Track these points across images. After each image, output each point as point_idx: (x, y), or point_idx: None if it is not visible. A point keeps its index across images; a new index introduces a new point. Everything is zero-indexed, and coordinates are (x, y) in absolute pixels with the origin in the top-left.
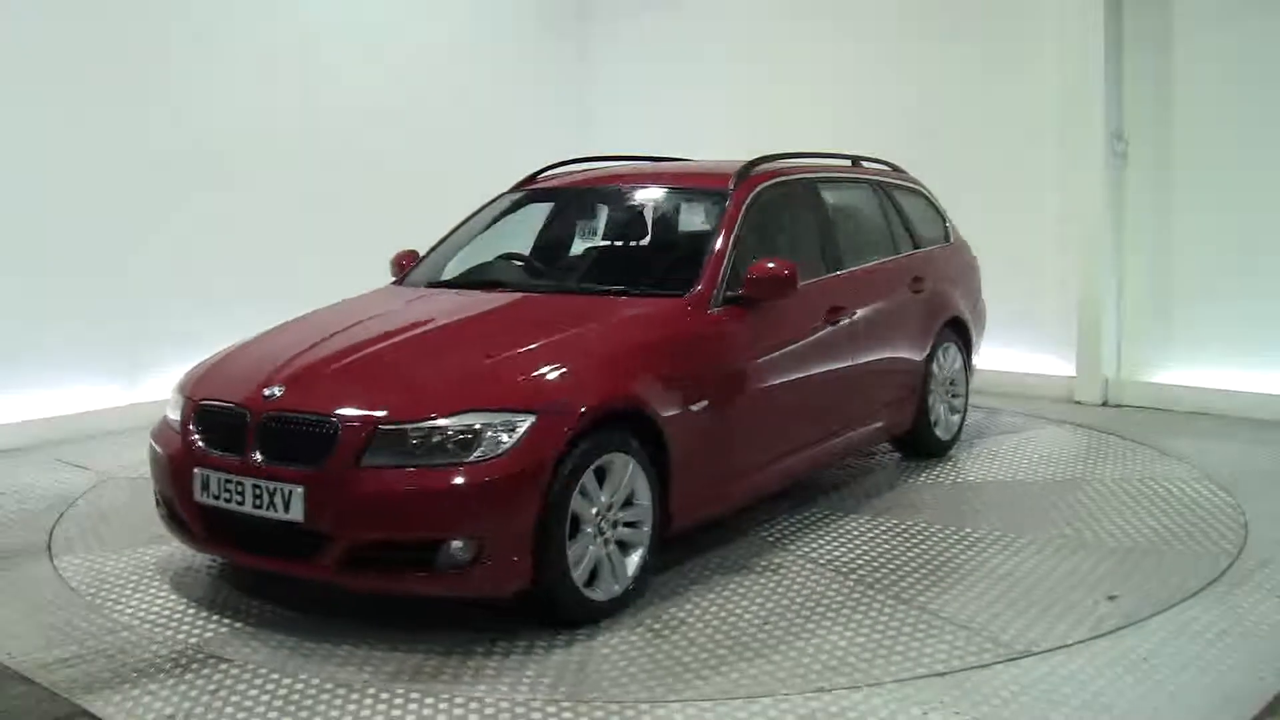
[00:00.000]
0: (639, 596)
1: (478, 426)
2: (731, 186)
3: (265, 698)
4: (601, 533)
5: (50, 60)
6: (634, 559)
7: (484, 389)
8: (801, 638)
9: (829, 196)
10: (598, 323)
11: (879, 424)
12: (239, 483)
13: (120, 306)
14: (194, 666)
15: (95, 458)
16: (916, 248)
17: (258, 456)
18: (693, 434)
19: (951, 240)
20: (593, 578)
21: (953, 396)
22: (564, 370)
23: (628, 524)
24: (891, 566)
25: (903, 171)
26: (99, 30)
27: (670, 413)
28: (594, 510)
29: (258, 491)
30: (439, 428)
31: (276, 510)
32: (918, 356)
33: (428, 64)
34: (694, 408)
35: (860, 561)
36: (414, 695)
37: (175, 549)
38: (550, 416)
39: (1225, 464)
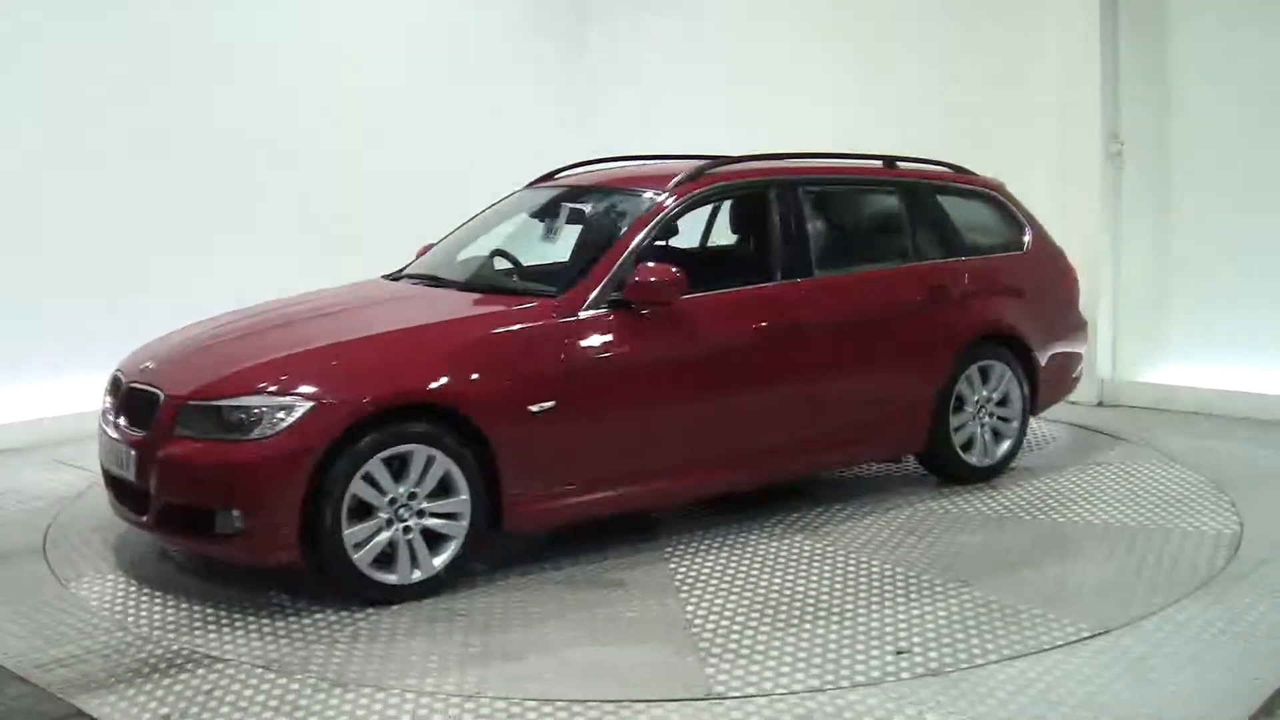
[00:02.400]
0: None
1: (257, 408)
2: (666, 189)
3: (260, 697)
4: (401, 520)
5: (49, 60)
6: (446, 550)
7: (275, 375)
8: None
9: (809, 201)
10: (449, 318)
11: (860, 446)
12: (114, 447)
13: (120, 306)
14: (190, 666)
15: (93, 458)
16: (952, 255)
17: (121, 421)
18: (530, 435)
19: (1027, 249)
20: (390, 561)
21: (1000, 420)
22: (364, 362)
23: (443, 516)
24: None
25: (968, 173)
26: (98, 31)
27: (496, 411)
28: (387, 498)
29: (119, 453)
30: (225, 406)
31: (125, 470)
32: (929, 373)
33: (427, 64)
34: (534, 408)
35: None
36: (409, 694)
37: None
38: (329, 404)
39: (1222, 464)
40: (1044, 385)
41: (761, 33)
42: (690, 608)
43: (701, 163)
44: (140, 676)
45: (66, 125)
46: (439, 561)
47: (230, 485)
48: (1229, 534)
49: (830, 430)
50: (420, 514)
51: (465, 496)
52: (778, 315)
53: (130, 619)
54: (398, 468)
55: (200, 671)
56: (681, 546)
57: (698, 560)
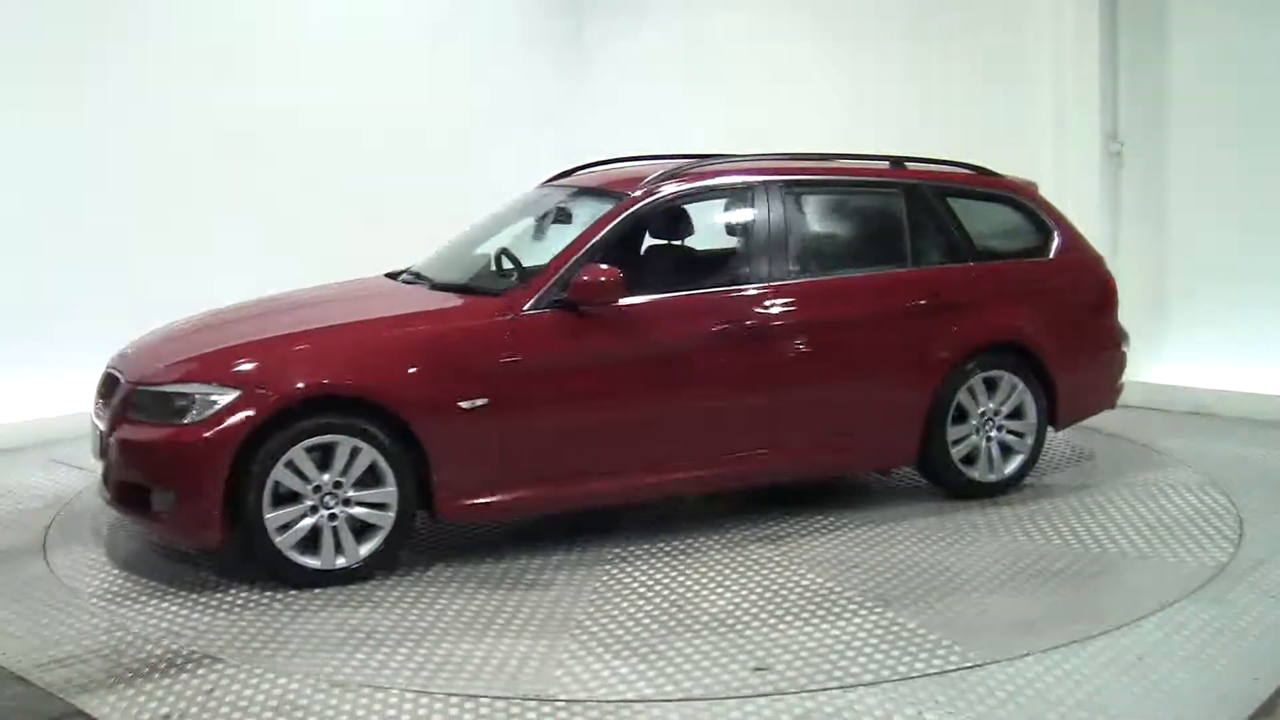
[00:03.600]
0: (393, 573)
1: (192, 395)
2: (632, 191)
3: (260, 697)
4: (327, 507)
5: (49, 60)
6: (373, 539)
7: (212, 363)
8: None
9: (793, 203)
10: (388, 315)
11: (838, 455)
12: (94, 427)
13: (119, 306)
14: (189, 666)
15: (90, 458)
16: (956, 261)
17: (99, 403)
18: (461, 431)
19: (1053, 256)
20: (315, 547)
21: (1011, 434)
22: (294, 355)
23: (372, 506)
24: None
25: (991, 175)
26: (99, 29)
27: (424, 407)
28: (311, 485)
29: (94, 434)
30: (166, 392)
31: (96, 449)
32: (919, 383)
33: (426, 63)
34: (464, 405)
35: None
36: (409, 694)
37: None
38: (255, 394)
39: (1220, 464)
40: (1068, 399)
41: (760, 33)
42: (592, 610)
43: (677, 164)
44: (140, 676)
45: (66, 123)
46: (365, 550)
47: (161, 465)
48: (1227, 534)
49: (800, 438)
50: (346, 503)
51: (392, 488)
52: (740, 319)
53: (130, 619)
54: (326, 457)
55: (200, 671)
56: (630, 550)
57: (635, 565)
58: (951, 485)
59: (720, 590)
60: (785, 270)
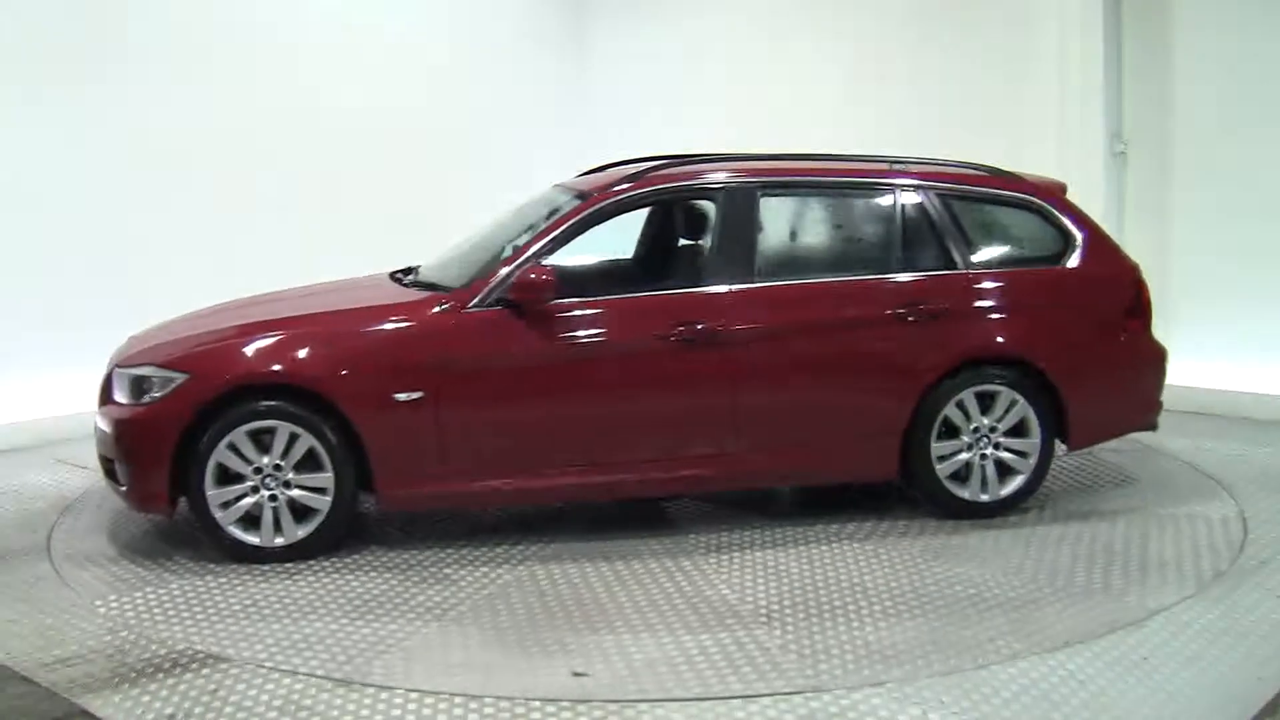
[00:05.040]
0: (326, 554)
1: (151, 378)
2: (592, 191)
3: (265, 697)
4: (268, 488)
5: (48, 59)
6: (311, 522)
7: (174, 350)
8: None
9: (765, 206)
10: (339, 310)
11: (807, 465)
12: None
13: (120, 305)
14: (193, 666)
15: (94, 457)
16: (950, 268)
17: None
18: (397, 422)
19: (1072, 265)
20: (257, 525)
21: (1011, 452)
22: (242, 344)
23: (313, 489)
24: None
25: (1007, 177)
26: (99, 29)
27: (360, 398)
28: (251, 467)
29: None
30: (134, 375)
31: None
32: (898, 395)
33: (426, 64)
34: (400, 397)
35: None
36: (414, 693)
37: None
38: (200, 379)
39: (1223, 464)
40: (1084, 418)
41: (761, 32)
42: (455, 603)
43: (643, 166)
44: (144, 676)
45: (65, 123)
46: (302, 531)
47: (121, 440)
48: (1231, 534)
49: (753, 446)
50: (286, 485)
51: (329, 473)
52: (689, 322)
53: (134, 618)
54: (270, 441)
55: (205, 671)
56: (551, 551)
57: (536, 566)
58: (939, 503)
59: (615, 593)
60: (748, 274)
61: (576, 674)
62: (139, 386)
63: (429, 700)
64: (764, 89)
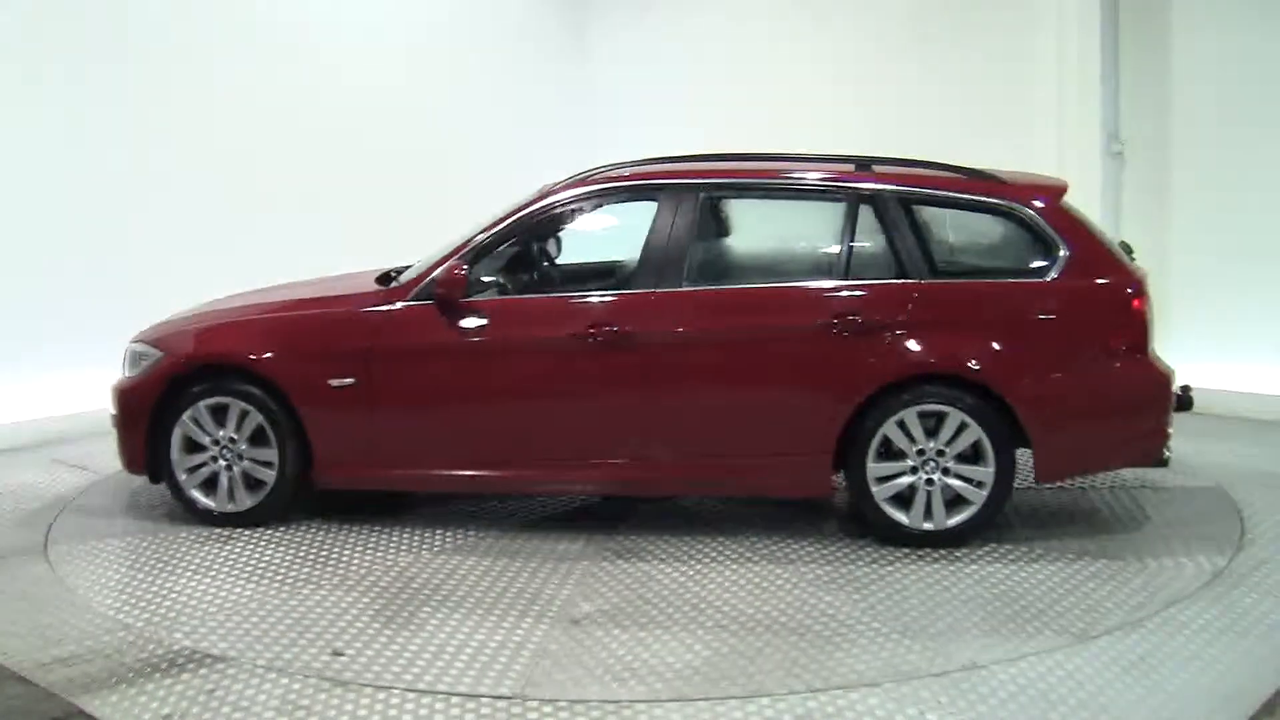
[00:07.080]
0: (294, 522)
1: (143, 354)
2: (543, 192)
3: (262, 697)
4: (225, 459)
5: (48, 59)
6: (260, 492)
7: (162, 330)
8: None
9: (704, 208)
10: (302, 299)
11: (730, 476)
12: None
13: (119, 306)
14: (191, 666)
15: (92, 457)
16: (903, 277)
17: None
18: (330, 405)
19: (1053, 277)
20: (214, 490)
21: (963, 480)
22: (208, 329)
23: (262, 463)
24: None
25: (988, 178)
26: (99, 29)
27: (298, 381)
28: (209, 438)
29: None
30: (134, 351)
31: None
32: (828, 409)
33: (427, 63)
34: (334, 383)
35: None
36: (411, 693)
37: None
38: (172, 357)
39: (1222, 463)
40: (1055, 448)
41: (761, 32)
42: (342, 591)
43: (591, 170)
44: (141, 676)
45: (65, 123)
46: (250, 501)
47: (114, 407)
48: (1230, 534)
49: (666, 454)
50: (240, 457)
51: (273, 449)
52: (605, 325)
53: (131, 618)
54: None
55: (202, 671)
56: (474, 548)
57: (453, 562)
58: (876, 528)
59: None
60: (676, 278)
61: (336, 653)
62: (136, 360)
63: (425, 700)
64: (764, 89)
